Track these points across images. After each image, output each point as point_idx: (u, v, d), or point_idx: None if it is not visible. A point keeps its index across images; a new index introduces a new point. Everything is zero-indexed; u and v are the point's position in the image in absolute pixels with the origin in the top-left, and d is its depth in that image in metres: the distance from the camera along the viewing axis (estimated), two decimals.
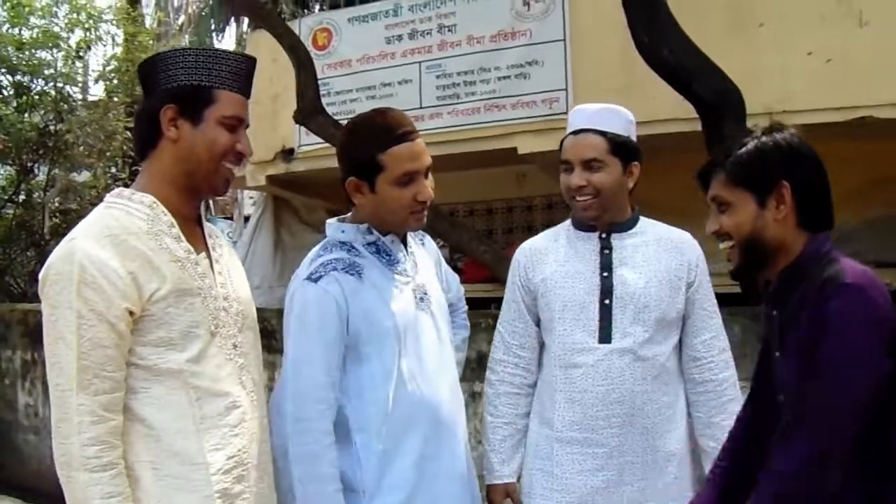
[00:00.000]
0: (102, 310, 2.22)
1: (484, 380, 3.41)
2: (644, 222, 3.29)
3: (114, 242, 2.27)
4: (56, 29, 11.93)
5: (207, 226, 2.58)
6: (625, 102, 3.29)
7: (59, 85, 11.94)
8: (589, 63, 7.96)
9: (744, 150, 2.36)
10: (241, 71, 2.50)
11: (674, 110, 6.58)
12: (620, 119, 3.20)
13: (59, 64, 11.93)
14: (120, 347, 2.25)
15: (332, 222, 3.02)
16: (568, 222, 3.34)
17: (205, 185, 2.48)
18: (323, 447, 2.69)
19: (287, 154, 9.74)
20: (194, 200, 2.53)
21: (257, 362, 2.60)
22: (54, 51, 11.88)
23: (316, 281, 2.79)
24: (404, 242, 3.01)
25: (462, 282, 3.54)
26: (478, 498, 3.08)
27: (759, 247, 2.35)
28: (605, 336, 3.08)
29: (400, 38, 9.18)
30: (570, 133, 3.19)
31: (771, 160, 2.33)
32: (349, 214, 3.01)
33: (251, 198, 15.34)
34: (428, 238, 3.27)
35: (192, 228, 2.50)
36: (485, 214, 10.61)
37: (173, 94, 2.40)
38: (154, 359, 2.30)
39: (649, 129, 7.71)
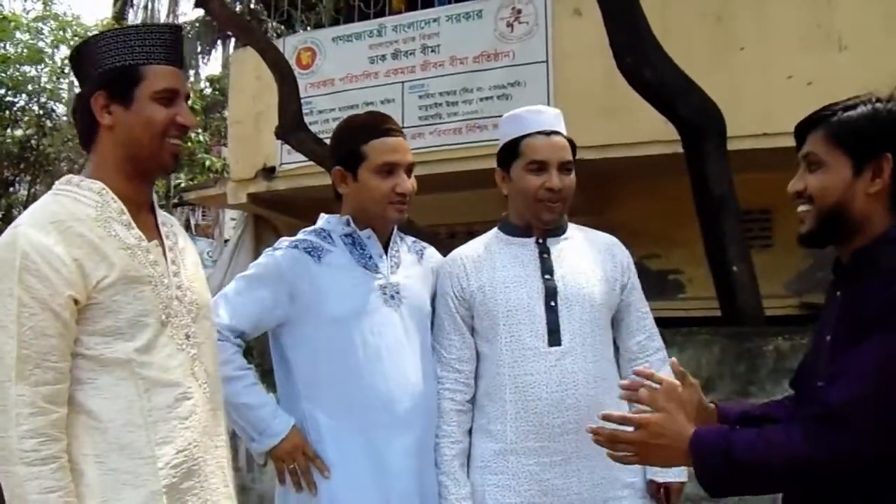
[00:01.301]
0: (45, 297, 2.13)
1: None
2: (572, 227, 3.26)
3: (59, 229, 2.18)
4: (41, 45, 11.93)
5: (161, 213, 2.49)
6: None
7: (43, 101, 11.92)
8: (571, 84, 7.96)
9: (854, 110, 2.13)
10: (168, 41, 2.38)
11: (655, 132, 6.60)
12: (563, 123, 3.22)
13: (44, 80, 11.92)
14: (64, 337, 2.16)
15: (324, 215, 3.17)
16: (495, 230, 3.27)
17: (152, 166, 2.38)
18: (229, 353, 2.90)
19: (268, 172, 9.71)
20: (145, 185, 2.44)
21: (212, 353, 2.51)
22: (39, 67, 11.87)
23: (275, 250, 3.04)
24: (387, 244, 3.11)
25: None
26: (429, 499, 3.03)
27: (841, 216, 2.14)
28: (554, 339, 3.03)
29: (383, 57, 9.19)
30: (539, 133, 3.12)
31: (881, 127, 2.11)
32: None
33: (233, 219, 15.33)
34: (432, 252, 3.29)
35: (145, 216, 2.41)
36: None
37: (101, 79, 2.30)
38: (101, 348, 2.21)
39: (631, 151, 7.78)
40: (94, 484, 2.18)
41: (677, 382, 2.24)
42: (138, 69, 2.31)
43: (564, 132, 3.18)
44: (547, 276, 3.10)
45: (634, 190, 8.54)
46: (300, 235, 3.08)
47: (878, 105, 2.13)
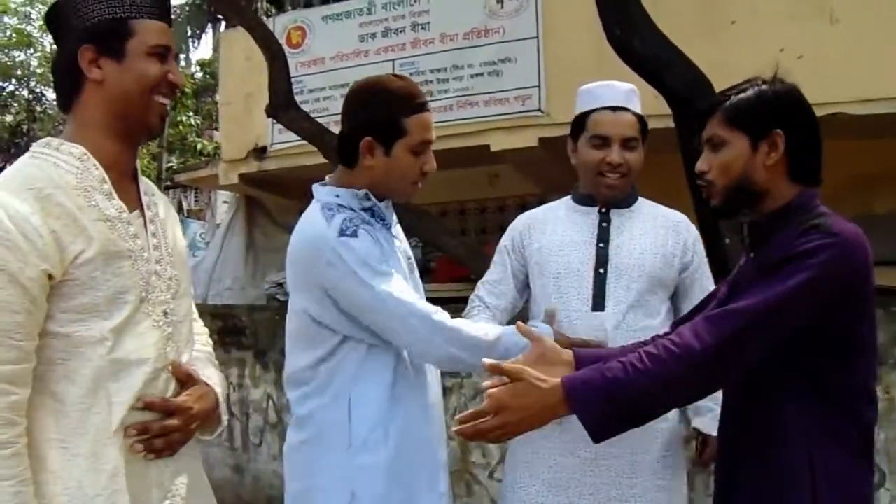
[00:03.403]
0: (15, 270, 1.96)
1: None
2: (642, 201, 3.31)
3: (37, 196, 2.02)
4: (30, 30, 11.88)
5: (143, 181, 2.36)
6: None
7: (33, 85, 11.88)
8: (562, 60, 7.94)
9: (744, 93, 2.39)
10: None
11: (646, 107, 6.49)
12: (638, 99, 3.26)
13: (34, 65, 11.88)
14: (32, 314, 2.00)
15: (319, 187, 2.92)
16: (568, 197, 3.35)
17: (139, 125, 2.25)
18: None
19: (260, 152, 9.71)
20: (130, 148, 2.30)
21: (188, 333, 2.39)
22: (29, 51, 11.83)
23: (353, 234, 2.72)
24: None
25: (432, 281, 3.53)
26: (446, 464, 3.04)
27: (745, 188, 2.39)
28: (598, 304, 3.09)
29: (374, 35, 9.18)
30: (605, 108, 3.18)
31: (768, 107, 2.36)
32: (331, 177, 2.95)
33: (225, 202, 15.29)
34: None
35: (127, 184, 2.27)
36: (458, 215, 10.60)
37: (89, 32, 2.16)
38: (75, 326, 2.06)
39: None
40: (57, 469, 2.05)
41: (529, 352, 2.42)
42: (129, 22, 2.19)
43: (636, 109, 3.21)
44: (601, 245, 3.17)
45: None
46: (338, 217, 2.75)
47: (764, 87, 2.39)
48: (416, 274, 3.02)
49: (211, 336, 2.74)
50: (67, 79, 2.22)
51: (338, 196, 2.85)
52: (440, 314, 2.71)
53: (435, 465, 2.89)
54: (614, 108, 3.17)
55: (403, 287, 2.72)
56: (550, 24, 8.25)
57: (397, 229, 3.00)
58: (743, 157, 2.37)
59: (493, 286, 3.36)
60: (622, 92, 3.23)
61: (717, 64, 6.23)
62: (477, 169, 9.53)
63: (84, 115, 2.22)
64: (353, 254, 2.68)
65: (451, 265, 8.30)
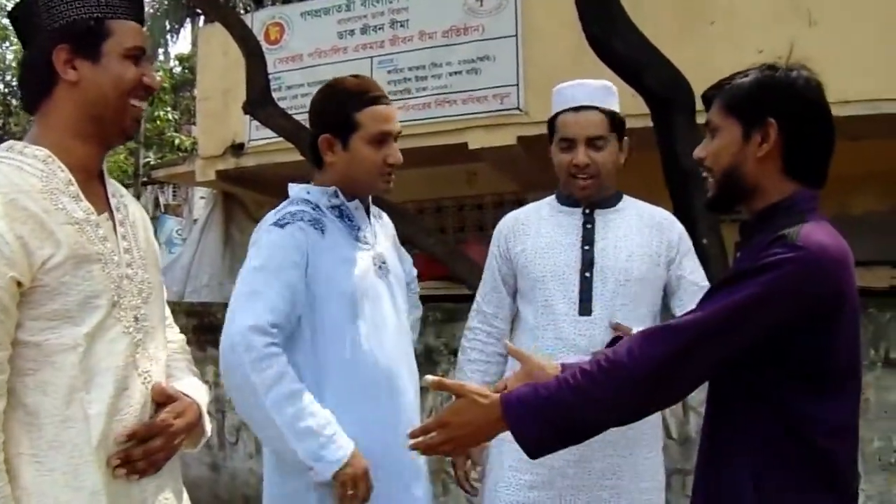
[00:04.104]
0: None
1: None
2: (627, 200, 3.27)
3: (2, 202, 1.93)
4: (5, 23, 11.78)
5: (112, 183, 2.28)
6: None
7: (9, 79, 11.78)
8: (540, 59, 7.95)
9: (745, 78, 2.23)
10: None
11: (625, 107, 6.52)
12: (613, 94, 3.20)
13: (9, 58, 11.78)
14: (3, 324, 1.92)
15: (294, 185, 3.01)
16: (552, 197, 3.31)
17: (114, 129, 2.18)
18: (283, 366, 2.66)
19: (237, 149, 9.66)
20: (101, 151, 2.22)
21: (161, 339, 2.31)
22: (4, 45, 11.73)
23: (283, 227, 2.78)
24: (367, 212, 3.02)
25: None
26: (424, 469, 3.01)
27: (734, 180, 2.23)
28: (585, 308, 3.06)
29: (352, 32, 9.15)
30: (569, 109, 3.14)
31: (766, 93, 2.19)
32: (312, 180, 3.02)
33: (202, 198, 15.22)
34: (385, 215, 3.26)
35: (94, 186, 2.18)
36: (435, 213, 10.58)
37: (63, 32, 2.08)
38: (46, 334, 1.98)
39: None
40: (31, 486, 1.96)
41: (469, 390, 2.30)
42: (106, 23, 2.12)
43: (609, 105, 3.14)
44: (586, 247, 3.13)
45: None
46: (290, 208, 2.86)
47: (767, 73, 2.22)
48: (391, 278, 2.99)
49: (186, 334, 2.66)
50: (38, 79, 2.13)
51: (308, 193, 2.94)
52: (275, 349, 2.64)
53: (403, 470, 2.88)
54: (577, 109, 3.12)
55: (269, 299, 2.66)
56: (530, 22, 8.26)
57: (372, 234, 3.00)
58: (734, 145, 2.21)
59: (488, 295, 3.36)
60: (589, 90, 3.17)
61: (695, 64, 6.24)
62: (455, 167, 9.52)
63: (53, 116, 2.13)
64: (262, 241, 2.80)
65: (429, 263, 8.24)
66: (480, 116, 8.30)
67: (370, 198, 3.06)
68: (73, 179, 2.09)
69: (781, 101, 2.18)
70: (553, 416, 2.09)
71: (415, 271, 3.46)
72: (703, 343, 2.04)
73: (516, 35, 8.30)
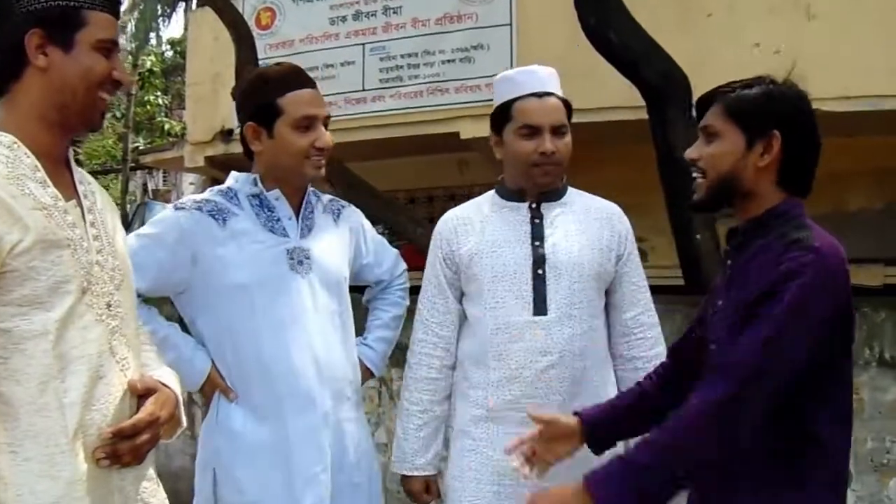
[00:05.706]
0: None
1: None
2: (572, 192, 3.15)
3: None
4: None
5: (78, 170, 2.25)
6: (571, 89, 3.16)
7: None
8: (535, 48, 7.83)
9: (751, 89, 2.30)
10: None
11: (621, 98, 6.52)
12: (559, 82, 3.11)
13: None
14: None
15: (235, 172, 3.02)
16: (491, 193, 3.17)
17: (79, 119, 2.16)
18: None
19: (226, 135, 9.60)
20: (65, 138, 2.20)
21: (135, 326, 2.30)
22: None
23: (176, 209, 2.88)
24: (299, 205, 2.98)
25: None
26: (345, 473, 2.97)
27: (732, 185, 2.31)
28: (540, 308, 2.95)
29: (344, 18, 9.05)
30: (530, 95, 3.01)
31: (772, 106, 2.26)
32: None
33: (192, 184, 15.18)
34: (351, 211, 3.20)
35: (61, 172, 2.15)
36: (426, 202, 10.51)
37: (38, 16, 2.05)
38: (17, 321, 1.95)
39: (596, 117, 7.66)
40: (7, 476, 1.94)
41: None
42: (81, 12, 2.09)
43: (559, 93, 3.05)
44: (537, 243, 3.01)
45: (597, 156, 8.41)
46: (206, 195, 2.94)
47: (773, 86, 2.29)
48: (314, 275, 2.92)
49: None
50: (8, 61, 2.09)
51: (236, 181, 2.97)
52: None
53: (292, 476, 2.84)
54: (540, 95, 3.01)
55: (134, 258, 2.52)
56: (524, 11, 8.20)
57: (299, 226, 2.95)
58: (736, 153, 2.28)
59: (431, 302, 3.17)
60: (545, 76, 3.07)
61: (692, 57, 6.20)
62: (446, 156, 9.45)
63: (21, 100, 2.10)
64: (156, 217, 2.95)
65: (416, 254, 8.19)
66: (473, 105, 8.18)
67: (308, 187, 3.03)
68: (39, 165, 2.06)
69: (788, 116, 2.26)
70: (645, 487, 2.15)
71: (400, 268, 3.39)
72: (768, 365, 2.09)
73: (511, 24, 8.22)
